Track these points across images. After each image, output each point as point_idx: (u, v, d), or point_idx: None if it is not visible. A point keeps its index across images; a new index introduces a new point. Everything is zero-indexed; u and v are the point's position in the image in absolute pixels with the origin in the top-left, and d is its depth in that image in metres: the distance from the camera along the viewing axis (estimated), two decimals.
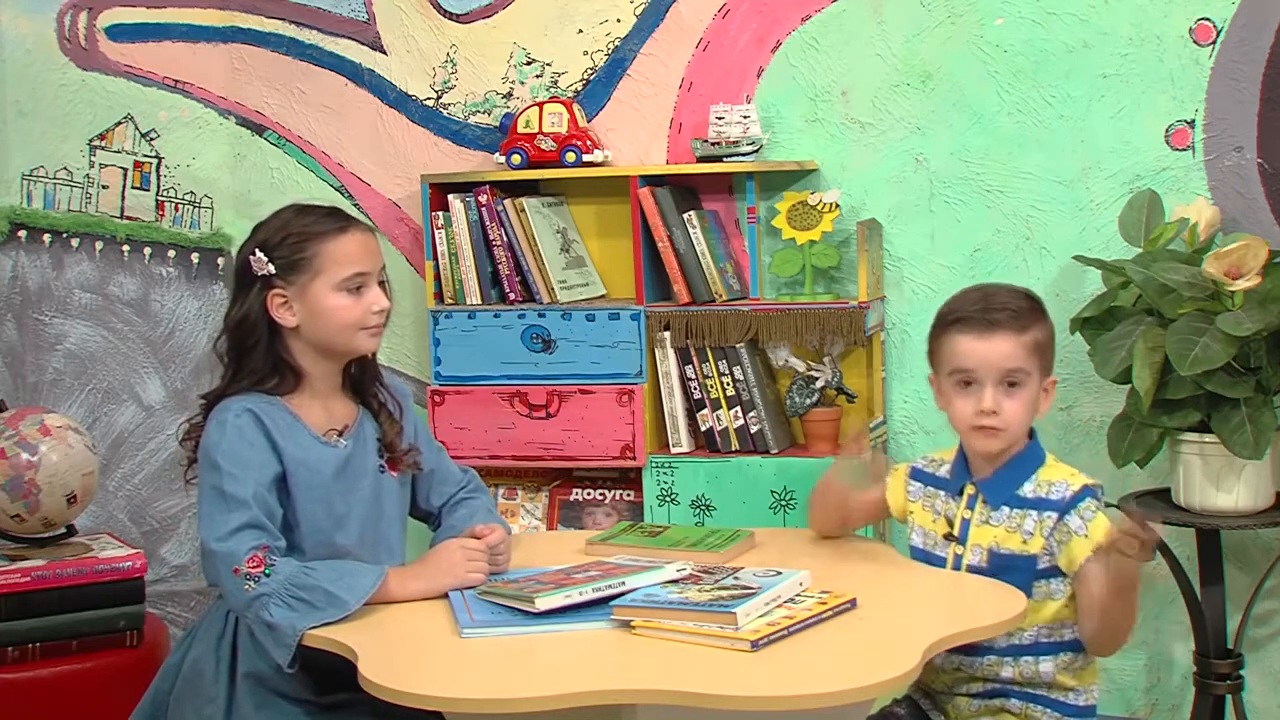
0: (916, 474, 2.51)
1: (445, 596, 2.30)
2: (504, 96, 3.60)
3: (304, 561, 2.27)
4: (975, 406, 2.34)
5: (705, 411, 3.29)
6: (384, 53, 3.70)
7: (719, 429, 3.29)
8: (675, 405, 3.32)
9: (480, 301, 3.41)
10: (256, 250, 2.36)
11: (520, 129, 3.45)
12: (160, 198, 3.80)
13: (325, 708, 2.28)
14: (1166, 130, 3.17)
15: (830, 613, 2.15)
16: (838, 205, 3.28)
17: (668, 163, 3.49)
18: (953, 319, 2.39)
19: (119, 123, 3.78)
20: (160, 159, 3.79)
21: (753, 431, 3.27)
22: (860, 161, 3.36)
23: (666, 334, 3.30)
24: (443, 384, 3.41)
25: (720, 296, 3.28)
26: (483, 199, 3.38)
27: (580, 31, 3.54)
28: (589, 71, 3.54)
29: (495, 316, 3.37)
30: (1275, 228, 3.08)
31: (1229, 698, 2.98)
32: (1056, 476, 2.36)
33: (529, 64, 3.58)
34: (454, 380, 3.40)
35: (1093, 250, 3.19)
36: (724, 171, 3.35)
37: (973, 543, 2.38)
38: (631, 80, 3.51)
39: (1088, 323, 3.02)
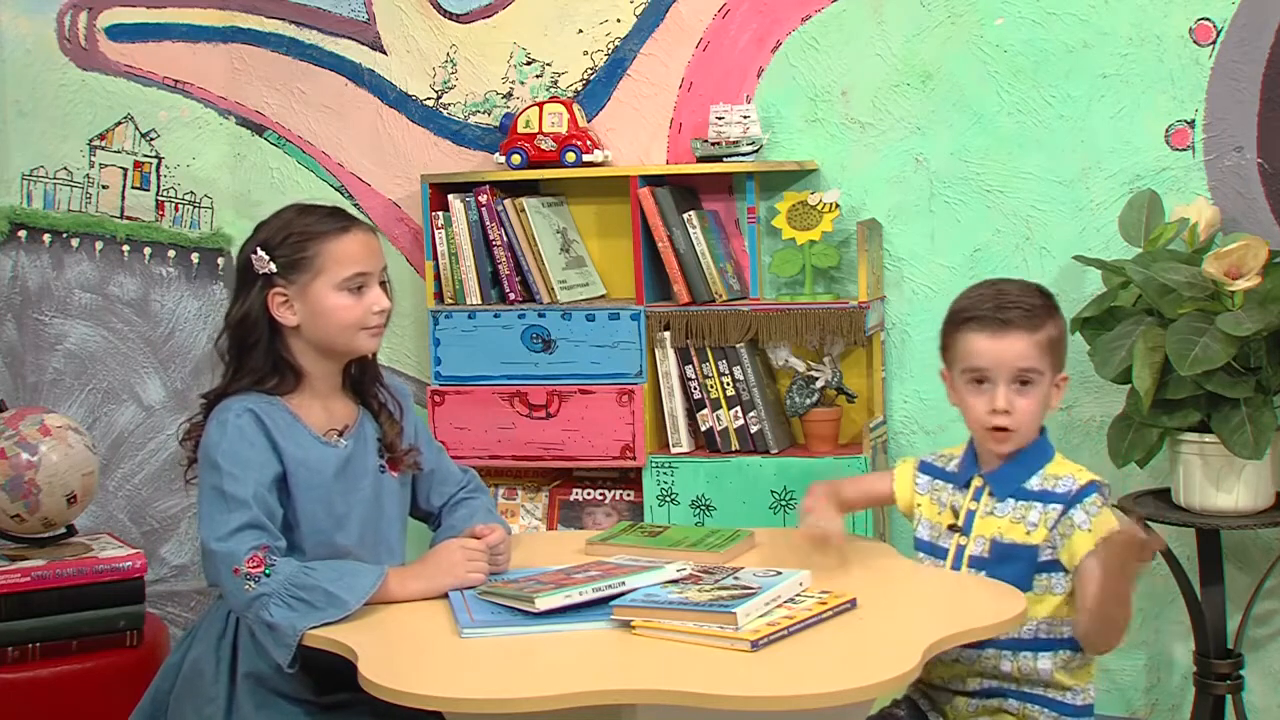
0: (925, 467, 2.52)
1: (445, 596, 2.30)
2: (504, 96, 3.60)
3: (304, 561, 2.27)
4: (988, 405, 2.35)
5: (705, 411, 3.29)
6: (384, 53, 3.70)
7: (719, 429, 3.29)
8: (675, 405, 3.32)
9: (480, 301, 3.41)
10: (258, 249, 2.36)
11: (520, 129, 3.45)
12: (160, 198, 3.80)
13: (325, 708, 2.28)
14: (1166, 130, 3.17)
15: (830, 613, 2.15)
16: (838, 205, 3.28)
17: (668, 163, 3.49)
18: (966, 316, 2.39)
19: (119, 123, 3.78)
20: (160, 159, 3.80)
21: (753, 431, 3.27)
22: (860, 161, 3.36)
23: (666, 334, 3.30)
24: (443, 384, 3.41)
25: (720, 296, 3.28)
26: (483, 199, 3.39)
27: (580, 31, 3.54)
28: (589, 71, 3.54)
29: (495, 316, 3.37)
30: (1275, 228, 3.08)
31: (1229, 698, 2.98)
32: (1064, 471, 2.37)
33: (529, 64, 3.58)
34: (454, 380, 3.40)
35: (1093, 250, 3.19)
36: (724, 171, 3.36)
37: (976, 534, 2.39)
38: (631, 80, 3.51)
39: (1088, 323, 3.02)
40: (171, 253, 3.80)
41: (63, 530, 3.15)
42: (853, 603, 2.20)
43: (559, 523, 3.42)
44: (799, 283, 3.35)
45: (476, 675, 2.02)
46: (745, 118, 3.33)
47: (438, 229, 3.42)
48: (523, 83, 3.59)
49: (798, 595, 2.21)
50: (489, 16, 3.61)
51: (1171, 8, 3.14)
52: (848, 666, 1.99)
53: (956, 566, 2.40)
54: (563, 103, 3.45)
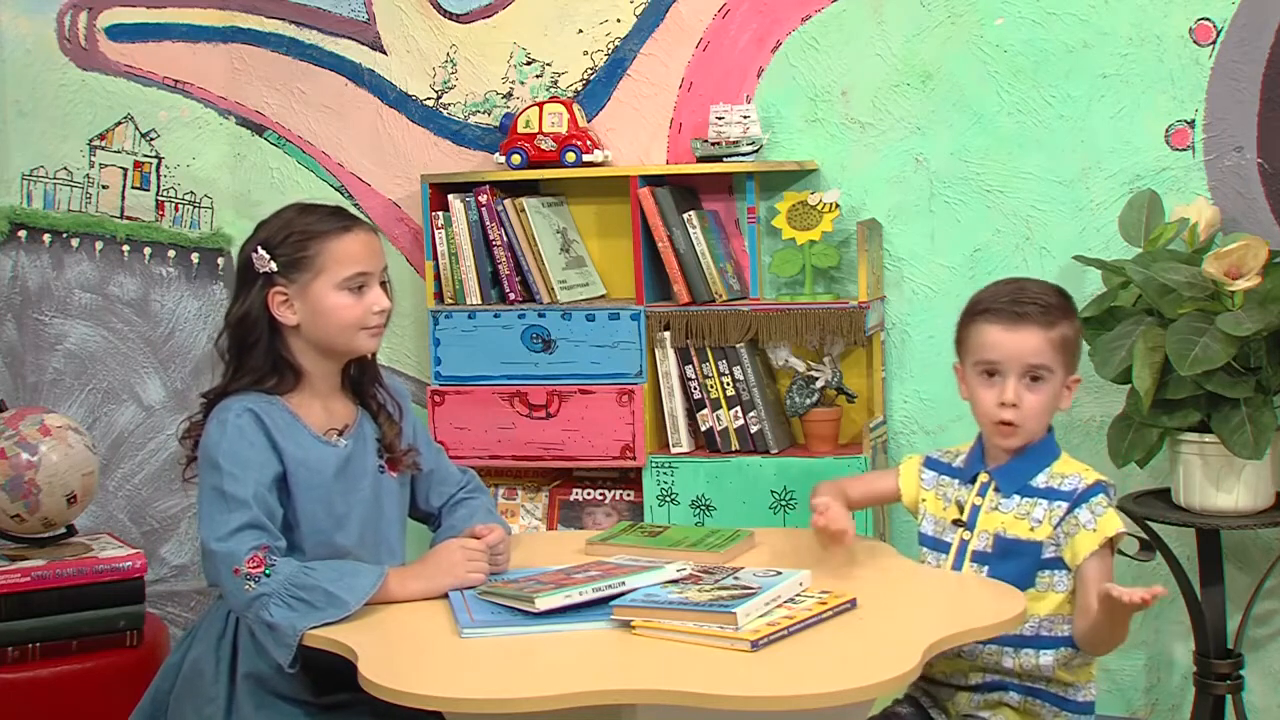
0: (930, 463, 2.53)
1: (445, 596, 2.30)
2: (504, 96, 3.60)
3: (304, 561, 2.27)
4: (997, 398, 2.36)
5: (705, 411, 3.29)
6: (384, 53, 3.70)
7: (719, 429, 3.29)
8: (675, 405, 3.32)
9: (480, 301, 3.41)
10: (259, 248, 2.36)
11: (520, 129, 3.45)
12: (160, 198, 3.80)
13: (325, 708, 2.28)
14: (1166, 130, 3.17)
15: (830, 613, 2.15)
16: (838, 205, 3.28)
17: (668, 163, 3.49)
18: (982, 308, 2.41)
19: (119, 123, 3.78)
20: (160, 159, 3.80)
21: (753, 431, 3.27)
22: (860, 161, 3.36)
23: (666, 334, 3.30)
24: (443, 384, 3.41)
25: (720, 296, 3.28)
26: (483, 199, 3.39)
27: (580, 31, 3.54)
28: (589, 71, 3.54)
29: (495, 316, 3.37)
30: (1275, 228, 3.08)
31: (1229, 698, 2.98)
32: (1070, 470, 2.38)
33: (529, 64, 3.58)
34: (454, 380, 3.40)
35: (1093, 250, 3.19)
36: (724, 171, 3.36)
37: (980, 528, 2.39)
38: (631, 80, 3.51)
39: (1088, 323, 3.02)
40: (171, 253, 3.80)
41: (63, 530, 3.15)
42: (853, 603, 2.20)
43: (559, 523, 3.42)
44: (799, 283, 3.35)
45: (476, 675, 2.03)
46: (745, 118, 3.32)
47: (438, 229, 3.42)
48: (523, 83, 3.59)
49: (798, 595, 2.21)
50: (489, 16, 3.61)
51: (1171, 8, 3.14)
52: (848, 666, 1.99)
53: (959, 560, 2.41)
54: (563, 103, 3.45)
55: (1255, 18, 3.09)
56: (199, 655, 2.32)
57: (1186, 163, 3.16)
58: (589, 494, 3.43)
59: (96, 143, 3.77)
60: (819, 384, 3.30)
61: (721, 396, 3.28)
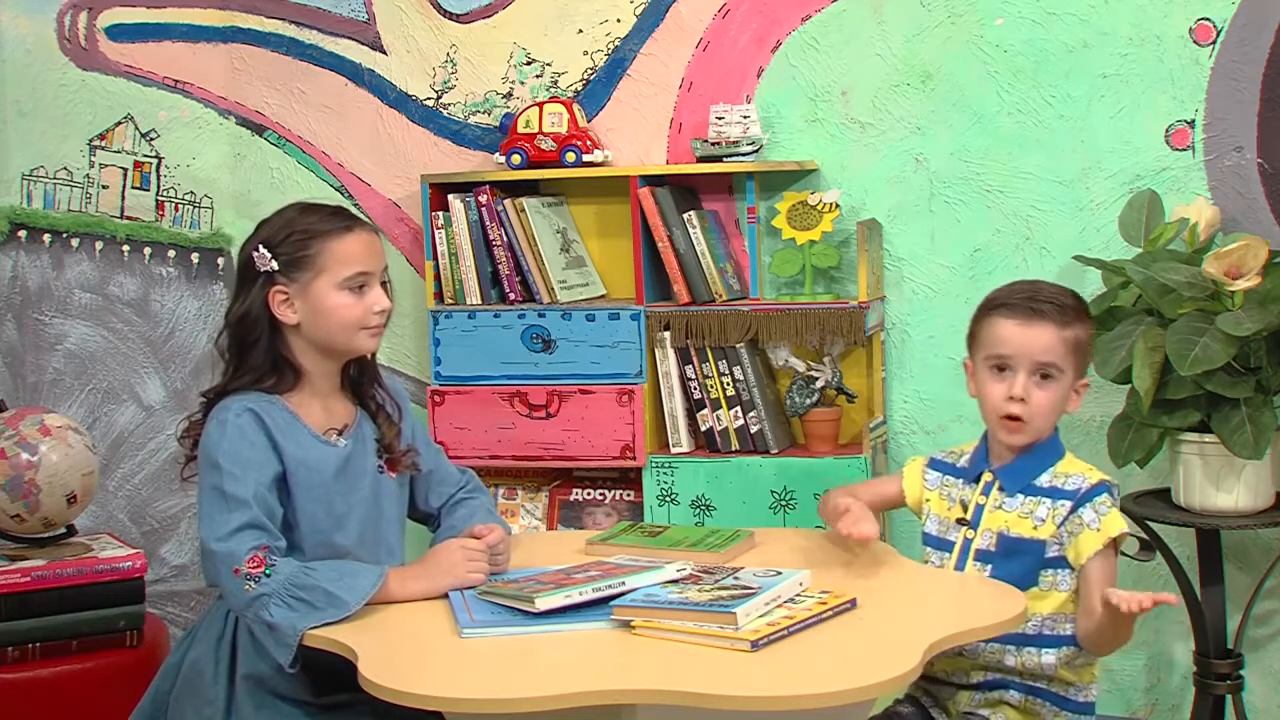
0: (935, 464, 2.53)
1: (445, 596, 2.30)
2: (504, 96, 3.60)
3: (303, 561, 2.27)
4: (1006, 392, 2.36)
5: (705, 411, 3.29)
6: (384, 53, 3.70)
7: (719, 429, 3.29)
8: (675, 405, 3.32)
9: (480, 301, 3.41)
10: (260, 246, 2.36)
11: (520, 129, 3.45)
12: (160, 198, 3.80)
13: (325, 708, 2.27)
14: (1166, 130, 3.17)
15: (830, 613, 2.15)
16: (838, 205, 3.28)
17: (668, 163, 3.49)
18: (997, 304, 2.41)
19: (119, 123, 3.78)
20: (160, 159, 3.80)
21: (753, 431, 3.27)
22: (860, 161, 3.36)
23: (666, 334, 3.30)
24: (443, 384, 3.41)
25: (720, 296, 3.28)
26: (483, 199, 3.39)
27: (580, 31, 3.54)
28: (589, 71, 3.54)
29: (495, 316, 3.37)
30: (1275, 228, 3.08)
31: (1229, 698, 2.98)
32: (1074, 470, 2.39)
33: (529, 64, 3.58)
34: (454, 380, 3.40)
35: (1093, 250, 3.19)
36: (724, 171, 3.36)
37: (984, 527, 2.39)
38: (631, 80, 3.51)
39: None
40: (171, 253, 3.80)
41: (63, 530, 3.15)
42: (853, 603, 2.20)
43: (559, 523, 3.42)
44: (799, 283, 3.35)
45: (476, 675, 2.03)
46: (745, 118, 3.32)
47: (438, 229, 3.42)
48: (523, 83, 3.59)
49: (798, 595, 2.21)
50: (489, 16, 3.61)
51: (1171, 8, 3.14)
52: (848, 666, 1.99)
53: (962, 559, 2.41)
54: (563, 103, 3.45)
55: (1255, 18, 3.09)
56: (198, 656, 2.32)
57: (1186, 163, 3.16)
58: (589, 494, 3.43)
59: (96, 143, 3.77)
60: (819, 384, 3.30)
61: (721, 396, 3.28)
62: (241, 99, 3.80)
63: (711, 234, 3.33)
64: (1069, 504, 2.34)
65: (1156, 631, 3.24)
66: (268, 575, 2.20)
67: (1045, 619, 2.34)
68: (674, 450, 3.32)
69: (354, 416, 2.44)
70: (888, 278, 3.36)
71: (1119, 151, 3.20)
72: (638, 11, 3.49)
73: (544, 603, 2.16)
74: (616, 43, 3.51)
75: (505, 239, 3.38)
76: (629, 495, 3.39)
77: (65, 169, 3.76)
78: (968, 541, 2.41)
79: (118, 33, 3.77)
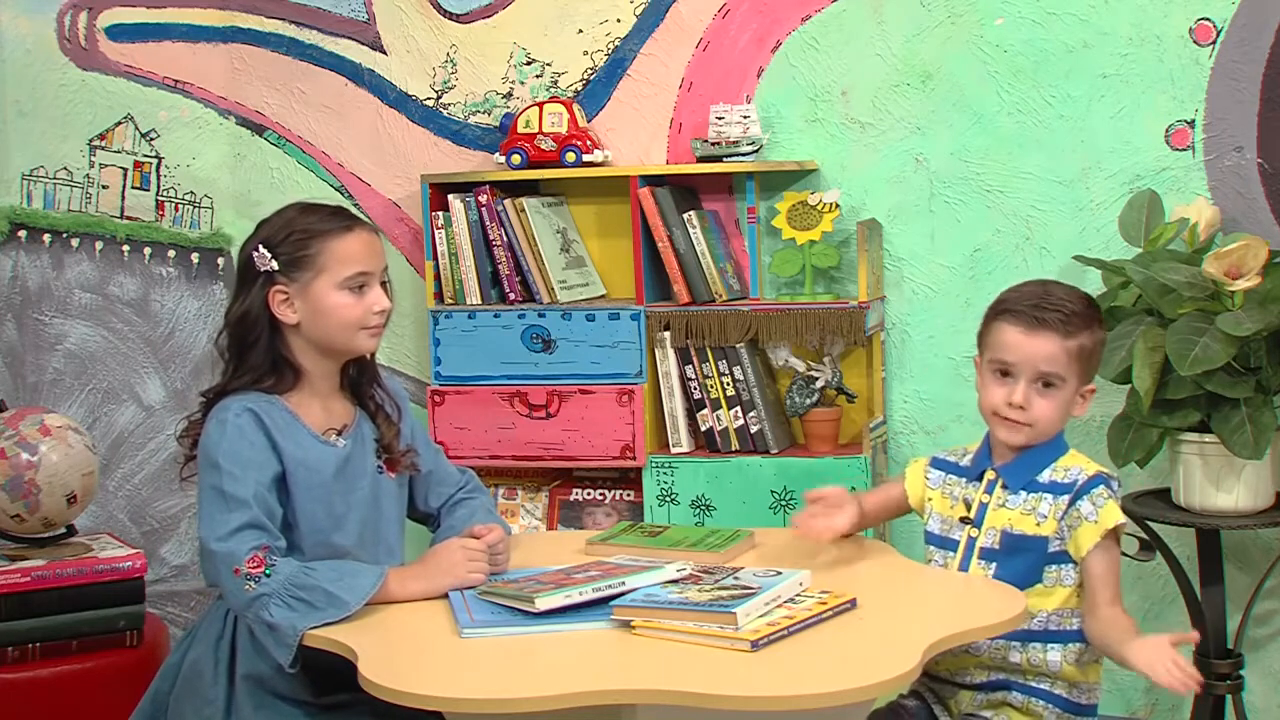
0: (937, 463, 2.53)
1: (445, 596, 2.30)
2: (504, 96, 3.60)
3: (303, 561, 2.27)
4: (1006, 397, 2.36)
5: (705, 411, 3.29)
6: (384, 53, 3.70)
7: (719, 429, 3.29)
8: (675, 405, 3.32)
9: (480, 301, 3.41)
10: (260, 246, 2.36)
11: (520, 129, 3.45)
12: (160, 198, 3.80)
13: (325, 708, 2.27)
14: (1166, 130, 3.17)
15: (830, 613, 2.15)
16: (838, 205, 3.28)
17: (668, 163, 3.49)
18: (1005, 308, 2.41)
19: (119, 123, 3.78)
20: (160, 159, 3.80)
21: (753, 431, 3.27)
22: (860, 161, 3.36)
23: (666, 334, 3.30)
24: (443, 384, 3.41)
25: (720, 296, 3.28)
26: (483, 199, 3.38)
27: (580, 31, 3.54)
28: (589, 71, 3.54)
29: (495, 316, 3.37)
30: (1275, 228, 3.08)
31: (1229, 698, 2.98)
32: (1074, 464, 2.38)
33: (529, 64, 3.58)
34: (454, 380, 3.40)
35: (1093, 250, 3.19)
36: (724, 171, 3.36)
37: (988, 525, 2.40)
38: (631, 80, 3.51)
39: None
40: (171, 253, 3.80)
41: (63, 530, 3.15)
42: (853, 603, 2.20)
43: (559, 523, 3.42)
44: (799, 283, 3.35)
45: (476, 675, 2.03)
46: (745, 118, 3.32)
47: (438, 229, 3.42)
48: (523, 83, 3.59)
49: (798, 595, 2.21)
50: (489, 16, 3.61)
51: (1171, 8, 3.14)
52: (848, 666, 1.99)
53: (967, 558, 2.41)
54: (563, 103, 3.45)
55: (1255, 18, 3.09)
56: (198, 656, 2.32)
57: (1186, 163, 3.16)
58: (589, 494, 3.43)
59: (96, 143, 3.77)
60: (819, 384, 3.30)
61: (721, 396, 3.27)
62: (241, 99, 3.80)
63: (711, 234, 3.33)
64: (1068, 498, 2.34)
65: (1156, 632, 3.23)
66: (268, 575, 2.20)
67: (1050, 615, 2.34)
68: (674, 450, 3.32)
69: (353, 417, 2.44)
70: (888, 278, 3.36)
71: (1119, 151, 3.20)
72: (638, 11, 3.49)
73: (544, 603, 2.16)
74: (616, 43, 3.51)
75: (505, 239, 3.38)
76: (629, 495, 3.39)
77: (65, 169, 3.76)
78: (972, 540, 2.41)
79: (118, 33, 3.77)
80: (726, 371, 3.27)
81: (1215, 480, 2.89)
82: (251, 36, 3.77)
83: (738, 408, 3.27)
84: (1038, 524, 2.36)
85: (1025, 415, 2.36)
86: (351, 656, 2.08)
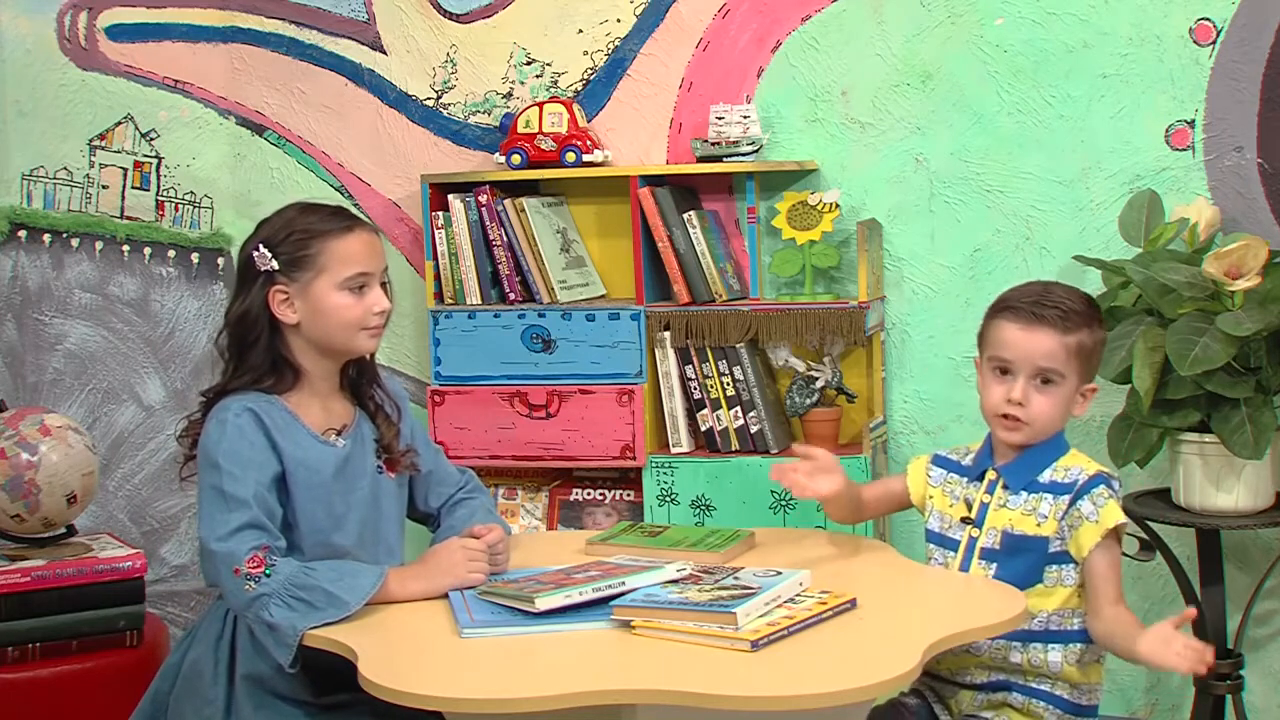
0: (939, 461, 2.54)
1: (445, 596, 2.30)
2: (504, 96, 3.60)
3: (303, 561, 2.27)
4: (1005, 394, 2.37)
5: (705, 411, 3.29)
6: (384, 53, 3.70)
7: (719, 429, 3.29)
8: (675, 405, 3.32)
9: (480, 301, 3.41)
10: (260, 246, 2.36)
11: (520, 129, 3.45)
12: (160, 198, 3.80)
13: (325, 708, 2.28)
14: (1166, 130, 3.17)
15: (830, 613, 2.15)
16: (838, 205, 3.28)
17: (668, 163, 3.49)
18: (1004, 306, 2.42)
19: (119, 123, 3.78)
20: (160, 159, 3.79)
21: (753, 431, 3.27)
22: (860, 161, 3.36)
23: (666, 334, 3.30)
24: (443, 384, 3.41)
25: (720, 296, 3.28)
26: (483, 199, 3.38)
27: (580, 31, 3.54)
28: (589, 71, 3.54)
29: (495, 316, 3.37)
30: (1275, 228, 3.08)
31: (1229, 698, 2.98)
32: (1074, 463, 2.38)
33: (529, 64, 3.58)
34: (454, 380, 3.40)
35: (1093, 250, 3.19)
36: (724, 171, 3.35)
37: (989, 525, 2.40)
38: (631, 80, 3.51)
39: None
40: (171, 253, 3.80)
41: (63, 530, 3.15)
42: (853, 603, 2.20)
43: (559, 523, 3.42)
44: (799, 283, 3.35)
45: (476, 675, 2.03)
46: (745, 118, 3.32)
47: (438, 229, 3.42)
48: (523, 83, 3.59)
49: (798, 595, 2.21)
50: (489, 16, 3.61)
51: (1171, 8, 3.14)
52: (848, 666, 1.99)
53: (968, 558, 2.41)
54: (563, 103, 3.45)
55: (1255, 18, 3.09)
56: (198, 656, 2.32)
57: (1186, 163, 3.16)
58: (589, 494, 3.43)
59: (96, 143, 3.77)
60: (819, 384, 3.30)
61: (721, 396, 3.27)
62: (241, 99, 3.80)
63: (711, 234, 3.33)
64: (1068, 498, 2.35)
65: None
66: (268, 575, 2.20)
67: (1051, 615, 2.35)
68: (674, 450, 3.32)
69: (353, 417, 2.44)
70: (888, 278, 3.36)
71: (1119, 151, 3.20)
72: (638, 11, 3.49)
73: (544, 603, 2.16)
74: (616, 43, 3.51)
75: (505, 239, 3.38)
76: (629, 495, 3.39)
77: (65, 169, 3.76)
78: (973, 540, 2.41)
79: (118, 33, 3.77)
80: (726, 371, 3.27)
81: (1215, 480, 2.89)
82: (251, 36, 3.77)
83: (738, 408, 3.27)
84: (1038, 524, 2.36)
85: (1024, 413, 2.36)
86: (351, 656, 2.08)
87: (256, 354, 2.36)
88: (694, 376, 3.29)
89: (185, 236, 3.80)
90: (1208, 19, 3.12)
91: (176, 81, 3.79)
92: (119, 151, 3.78)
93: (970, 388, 2.56)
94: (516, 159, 3.42)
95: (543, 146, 3.41)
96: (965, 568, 2.42)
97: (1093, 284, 3.13)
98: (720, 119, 3.33)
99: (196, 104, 3.80)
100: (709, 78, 3.45)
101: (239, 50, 3.78)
